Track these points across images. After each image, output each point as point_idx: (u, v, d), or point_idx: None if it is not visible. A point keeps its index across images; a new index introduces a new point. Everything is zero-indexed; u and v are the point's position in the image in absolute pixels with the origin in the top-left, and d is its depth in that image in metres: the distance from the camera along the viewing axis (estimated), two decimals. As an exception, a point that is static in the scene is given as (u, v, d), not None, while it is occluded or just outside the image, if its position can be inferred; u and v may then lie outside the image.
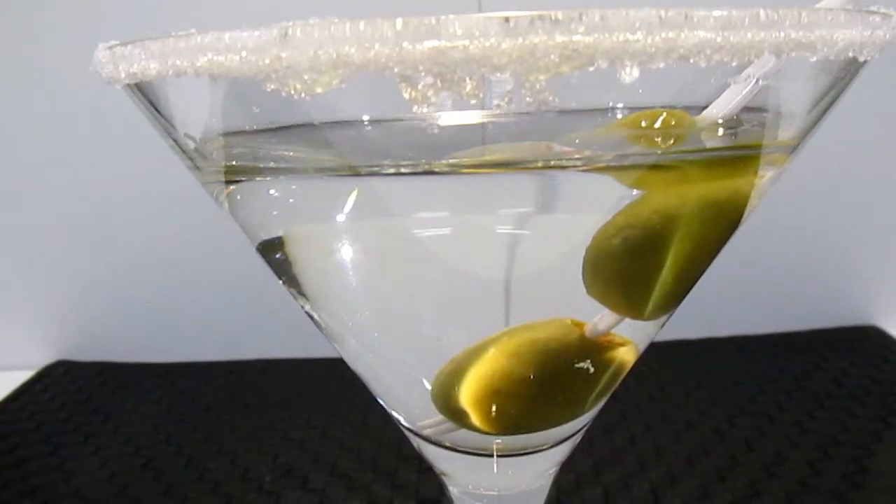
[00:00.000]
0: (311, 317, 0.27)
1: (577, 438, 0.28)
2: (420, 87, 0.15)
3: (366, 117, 0.25)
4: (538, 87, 0.15)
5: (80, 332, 0.73)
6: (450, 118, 0.23)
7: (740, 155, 0.21)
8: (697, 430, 0.55)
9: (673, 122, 0.21)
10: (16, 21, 0.64)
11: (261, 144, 0.22)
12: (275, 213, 0.23)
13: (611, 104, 0.23)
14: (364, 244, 0.23)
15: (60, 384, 0.68)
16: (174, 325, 0.73)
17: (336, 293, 0.24)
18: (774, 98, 0.20)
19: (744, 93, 0.20)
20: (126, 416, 0.62)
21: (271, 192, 0.22)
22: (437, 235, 0.22)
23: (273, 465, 0.53)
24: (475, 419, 0.24)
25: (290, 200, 0.22)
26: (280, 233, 0.24)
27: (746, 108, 0.21)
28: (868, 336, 0.70)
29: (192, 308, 0.72)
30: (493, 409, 0.24)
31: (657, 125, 0.21)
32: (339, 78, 0.15)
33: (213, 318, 0.73)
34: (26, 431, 0.60)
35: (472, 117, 0.24)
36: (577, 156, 0.20)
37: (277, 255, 0.25)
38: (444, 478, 0.30)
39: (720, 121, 0.21)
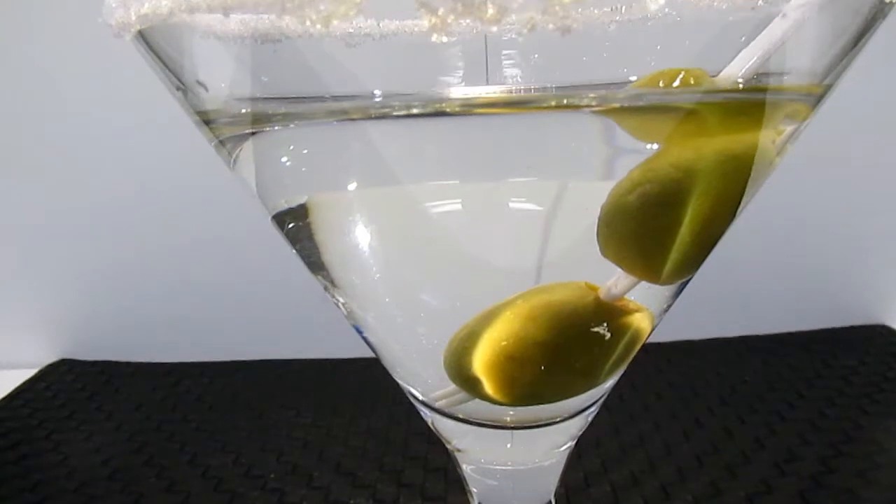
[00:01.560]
0: (324, 288, 0.26)
1: (592, 413, 0.28)
2: (440, 12, 0.15)
3: (377, 91, 0.25)
4: (561, 13, 0.14)
5: (82, 331, 0.73)
6: (460, 92, 0.23)
7: (759, 100, 0.21)
8: (707, 429, 0.54)
9: (692, 81, 0.21)
10: (17, 20, 0.64)
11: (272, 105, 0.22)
12: (287, 174, 0.23)
13: (626, 74, 0.23)
14: (378, 204, 0.22)
15: (63, 382, 0.68)
16: (177, 324, 0.72)
17: (349, 257, 0.24)
18: (796, 44, 0.19)
19: (764, 45, 0.20)
20: (128, 414, 0.61)
21: (283, 150, 0.22)
22: (452, 189, 0.21)
23: (277, 463, 0.53)
24: (488, 387, 0.24)
25: (303, 159, 0.22)
26: (294, 195, 0.23)
27: (765, 74, 0.21)
28: (877, 334, 0.70)
29: (195, 308, 0.72)
30: (507, 375, 0.24)
31: (675, 84, 0.21)
32: (355, 8, 0.15)
33: (216, 318, 0.72)
34: (29, 428, 0.59)
35: (484, 91, 0.24)
36: (591, 94, 0.19)
37: (291, 222, 0.24)
38: (456, 454, 0.29)
39: (740, 80, 0.21)
